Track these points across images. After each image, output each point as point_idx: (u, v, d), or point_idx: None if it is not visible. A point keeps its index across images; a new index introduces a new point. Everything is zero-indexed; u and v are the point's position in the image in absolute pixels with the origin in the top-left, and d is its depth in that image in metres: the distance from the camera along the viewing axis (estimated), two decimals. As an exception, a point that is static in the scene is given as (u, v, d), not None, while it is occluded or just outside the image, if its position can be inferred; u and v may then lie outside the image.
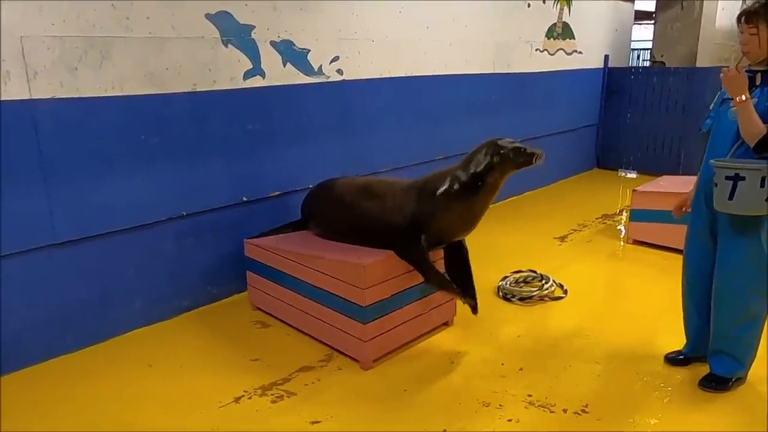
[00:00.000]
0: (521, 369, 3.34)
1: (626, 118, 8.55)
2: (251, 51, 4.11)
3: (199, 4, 3.78)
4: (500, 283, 4.41)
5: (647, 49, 12.08)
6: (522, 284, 4.42)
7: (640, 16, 10.81)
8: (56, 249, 3.40)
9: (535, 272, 4.56)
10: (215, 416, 2.92)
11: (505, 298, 4.26)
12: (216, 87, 3.95)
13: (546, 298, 4.24)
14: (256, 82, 4.18)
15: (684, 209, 3.22)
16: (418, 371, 3.33)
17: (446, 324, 3.84)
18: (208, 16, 3.84)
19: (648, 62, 10.83)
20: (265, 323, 3.92)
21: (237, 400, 3.05)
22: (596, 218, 6.34)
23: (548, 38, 7.27)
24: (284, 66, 4.34)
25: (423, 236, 3.33)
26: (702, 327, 3.14)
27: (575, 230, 5.93)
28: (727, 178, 2.66)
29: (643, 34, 13.26)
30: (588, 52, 8.11)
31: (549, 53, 7.34)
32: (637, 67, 10.51)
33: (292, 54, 4.38)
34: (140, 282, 3.82)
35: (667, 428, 2.81)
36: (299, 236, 3.90)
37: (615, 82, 8.55)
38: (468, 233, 3.54)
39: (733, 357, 3.02)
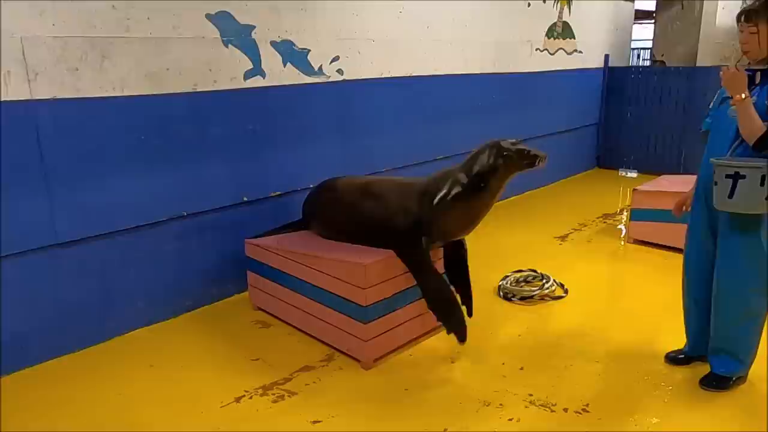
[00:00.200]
0: (522, 368, 3.34)
1: (626, 117, 8.56)
2: (252, 51, 4.12)
3: (200, 4, 3.78)
4: (501, 283, 4.41)
5: (647, 48, 12.09)
6: (522, 284, 4.42)
7: (641, 15, 10.81)
8: (57, 249, 3.41)
9: (535, 272, 4.56)
10: (216, 416, 2.92)
11: (506, 297, 4.26)
12: (216, 87, 3.96)
13: (547, 298, 4.24)
14: (257, 82, 4.18)
15: (684, 208, 3.22)
16: (419, 371, 3.33)
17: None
18: (208, 16, 3.84)
19: (648, 62, 10.84)
20: (266, 323, 3.93)
21: (238, 399, 3.06)
22: (597, 218, 6.34)
23: (548, 38, 7.27)
24: (285, 66, 4.34)
25: (424, 239, 3.33)
26: (702, 326, 3.14)
27: (576, 230, 5.93)
28: (727, 176, 2.66)
29: (644, 34, 13.26)
30: (588, 52, 8.11)
31: (549, 53, 7.34)
32: (637, 67, 10.53)
33: (293, 54, 4.38)
34: (141, 282, 3.82)
35: (668, 427, 2.81)
36: (300, 236, 3.91)
37: (615, 82, 8.56)
38: (469, 233, 3.55)
39: (734, 356, 3.02)
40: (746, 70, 2.75)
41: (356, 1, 4.78)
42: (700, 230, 3.04)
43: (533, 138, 6.79)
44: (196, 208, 4.01)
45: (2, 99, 3.06)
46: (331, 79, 4.70)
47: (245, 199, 4.27)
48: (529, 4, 6.79)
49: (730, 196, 2.66)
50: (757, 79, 2.76)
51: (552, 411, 2.93)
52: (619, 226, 6.03)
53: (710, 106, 3.04)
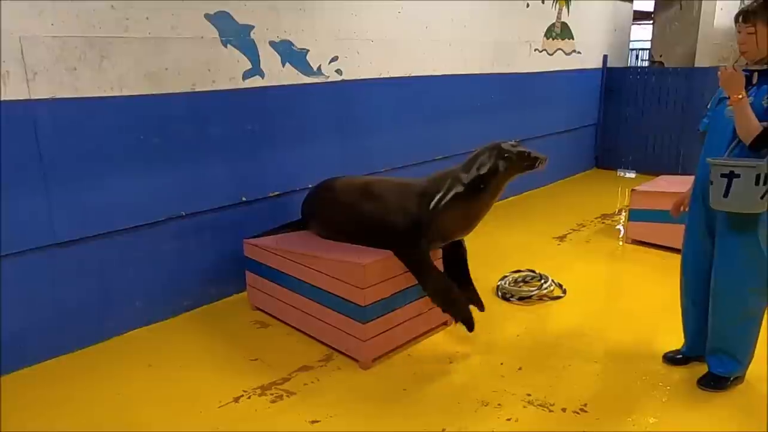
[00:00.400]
0: (520, 368, 3.34)
1: (625, 118, 8.57)
2: (250, 51, 4.12)
3: (199, 4, 3.78)
4: (499, 283, 4.41)
5: (646, 49, 12.09)
6: (521, 284, 4.42)
7: (639, 16, 10.82)
8: (56, 249, 3.40)
9: (534, 272, 4.56)
10: (215, 416, 2.92)
11: (504, 297, 4.27)
12: (215, 87, 3.96)
13: (545, 298, 4.25)
14: (256, 82, 4.18)
15: (682, 208, 3.23)
16: (418, 371, 3.33)
17: (445, 324, 3.84)
18: (207, 16, 3.84)
19: (647, 62, 10.85)
20: (265, 323, 3.93)
21: (236, 399, 3.06)
22: (595, 218, 6.35)
23: (547, 38, 7.28)
24: (283, 66, 4.34)
25: (423, 239, 3.34)
26: (700, 326, 3.15)
27: (574, 230, 5.94)
28: (722, 175, 2.68)
29: (642, 34, 13.27)
30: (587, 52, 8.12)
31: (548, 53, 7.35)
32: (635, 67, 10.53)
33: (292, 54, 4.38)
34: (140, 282, 3.82)
35: (666, 427, 2.82)
36: (299, 236, 3.91)
37: (614, 82, 8.57)
38: (467, 233, 3.55)
39: (732, 356, 3.03)
40: (744, 70, 2.77)
41: (355, 2, 4.78)
42: (697, 230, 3.05)
43: (532, 138, 6.81)
44: (195, 208, 4.01)
45: (1, 98, 3.06)
46: (329, 80, 4.70)
47: (244, 199, 4.27)
48: (527, 5, 6.79)
49: (725, 195, 2.68)
50: (755, 80, 2.77)
51: (550, 411, 2.94)
52: (617, 227, 6.04)
53: (708, 107, 3.05)
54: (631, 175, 8.46)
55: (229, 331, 3.82)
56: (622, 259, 5.24)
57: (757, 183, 2.62)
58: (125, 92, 3.53)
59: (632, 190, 5.41)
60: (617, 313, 4.07)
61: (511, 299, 4.23)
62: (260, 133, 4.28)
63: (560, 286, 4.42)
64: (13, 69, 3.09)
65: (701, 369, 3.18)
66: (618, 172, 8.64)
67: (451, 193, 3.32)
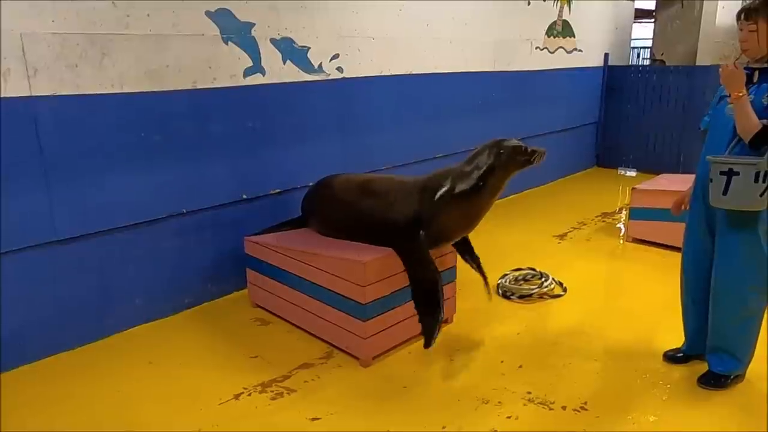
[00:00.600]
0: (520, 366, 3.34)
1: (626, 116, 8.56)
2: (251, 49, 4.12)
3: (200, 2, 3.78)
4: (500, 281, 4.42)
5: (647, 47, 12.08)
6: (521, 282, 4.42)
7: (641, 14, 10.81)
8: (56, 246, 3.41)
9: (534, 270, 4.56)
10: (215, 413, 2.93)
11: (505, 295, 4.27)
12: (216, 84, 3.95)
13: (545, 296, 4.25)
14: (257, 79, 4.18)
15: (683, 207, 3.22)
16: (418, 368, 3.34)
17: (446, 321, 3.84)
18: (208, 13, 3.84)
19: (648, 60, 10.84)
20: (265, 320, 3.93)
21: (237, 397, 3.06)
22: (596, 216, 6.34)
23: (548, 36, 7.27)
24: (284, 64, 4.34)
25: (422, 232, 3.33)
26: (701, 325, 3.15)
27: (575, 228, 5.94)
28: (722, 173, 2.69)
29: (643, 33, 13.26)
30: (588, 51, 8.11)
31: (549, 51, 7.34)
32: (637, 66, 10.53)
33: (293, 52, 4.38)
34: (140, 279, 3.83)
35: (666, 426, 2.82)
36: (299, 233, 3.91)
37: (615, 81, 8.56)
38: (468, 233, 3.55)
39: (732, 354, 3.03)
40: (745, 68, 2.77)
41: (356, 0, 4.77)
42: (698, 229, 3.05)
43: (533, 136, 6.80)
44: (196, 206, 4.01)
45: (2, 95, 3.06)
46: (330, 77, 4.70)
47: (245, 196, 4.27)
48: (529, 3, 6.78)
49: (725, 192, 2.69)
50: (755, 78, 2.77)
51: (550, 409, 2.94)
52: (618, 225, 6.04)
53: (709, 105, 3.05)
54: (632, 173, 8.45)
55: (230, 329, 3.83)
56: (623, 257, 5.23)
57: (756, 180, 2.62)
58: (126, 89, 3.53)
59: (633, 188, 5.40)
60: (617, 311, 4.07)
61: (511, 297, 4.23)
62: (261, 131, 4.28)
63: (561, 284, 4.42)
64: (14, 66, 3.09)
65: (701, 367, 3.18)
66: (619, 171, 8.64)
67: (452, 190, 3.32)
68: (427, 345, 3.26)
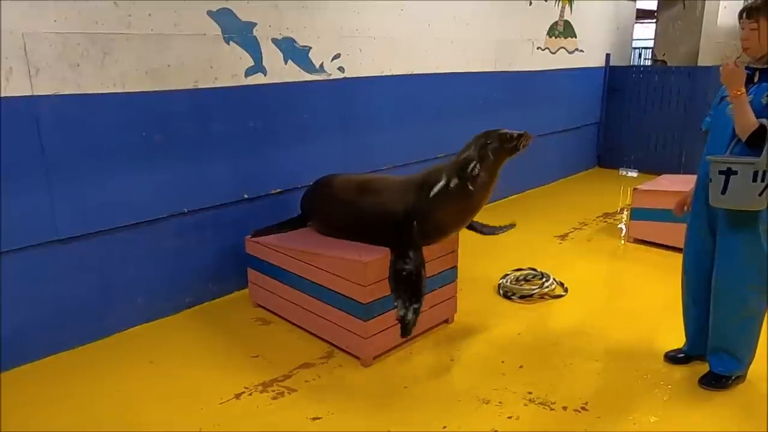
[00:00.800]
0: (521, 366, 3.34)
1: (627, 116, 8.55)
2: (253, 48, 4.12)
3: (201, 2, 3.78)
4: (501, 281, 4.41)
5: (649, 47, 12.07)
6: (522, 282, 4.42)
7: (642, 14, 10.80)
8: (57, 245, 3.41)
9: (535, 270, 4.56)
10: (216, 413, 2.93)
11: (506, 296, 4.27)
12: (217, 84, 3.96)
13: (546, 296, 4.25)
14: (258, 79, 4.18)
15: (685, 207, 3.22)
16: (419, 368, 3.33)
17: (447, 321, 3.84)
18: (209, 13, 3.84)
19: (649, 61, 10.83)
20: (266, 320, 3.93)
21: (238, 396, 3.06)
22: (597, 217, 6.34)
23: (550, 36, 7.27)
24: (286, 63, 4.34)
25: (416, 223, 3.33)
26: (702, 325, 3.15)
27: (576, 228, 5.93)
28: (720, 172, 2.70)
29: (645, 33, 13.25)
30: (589, 51, 8.10)
31: (550, 51, 7.34)
32: (638, 66, 10.52)
33: (294, 51, 4.38)
34: (141, 278, 3.83)
35: (667, 426, 2.82)
36: (300, 233, 3.91)
37: (616, 81, 8.55)
38: (464, 226, 3.58)
39: (733, 355, 3.02)
40: (746, 68, 2.78)
41: (358, 0, 4.78)
42: (699, 229, 3.05)
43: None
44: (197, 205, 4.01)
45: (3, 94, 3.06)
46: (332, 77, 4.70)
47: (246, 196, 4.27)
48: (530, 3, 6.78)
49: (723, 192, 2.70)
50: (756, 78, 2.77)
51: (551, 409, 2.94)
52: (619, 225, 6.04)
53: (711, 106, 3.05)
54: (633, 174, 8.45)
55: (231, 328, 3.83)
56: (624, 257, 5.23)
57: (754, 180, 2.63)
58: (127, 89, 3.53)
59: (634, 188, 5.40)
60: (618, 311, 4.07)
61: (512, 297, 4.23)
62: (262, 131, 4.28)
63: (562, 284, 4.42)
64: (16, 65, 3.09)
65: (702, 368, 3.18)
66: (620, 171, 8.63)
67: (448, 186, 3.34)
68: (404, 334, 3.19)
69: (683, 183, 4.90)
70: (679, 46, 8.64)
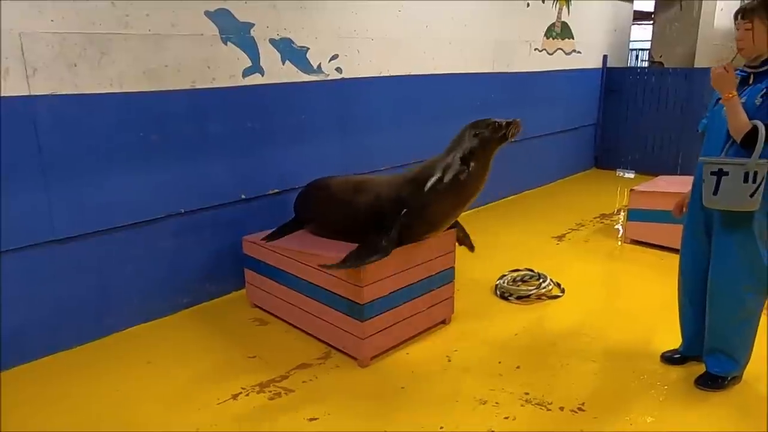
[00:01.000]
0: (518, 367, 3.35)
1: (625, 118, 8.57)
2: (250, 49, 4.12)
3: (199, 2, 3.78)
4: (498, 282, 4.42)
5: (646, 49, 12.09)
6: (519, 283, 4.43)
7: (639, 16, 10.83)
8: (55, 245, 3.41)
9: (532, 271, 4.57)
10: (213, 413, 2.93)
11: (503, 296, 4.27)
12: (215, 84, 3.96)
13: (543, 297, 4.26)
14: (255, 79, 4.18)
15: (684, 209, 3.23)
16: (416, 369, 3.34)
17: (444, 322, 3.85)
18: (207, 13, 3.84)
19: (646, 62, 10.85)
20: (263, 321, 3.93)
21: (235, 397, 3.06)
22: (594, 218, 6.35)
23: (547, 38, 7.28)
24: (283, 64, 4.34)
25: (405, 212, 3.33)
26: (698, 326, 3.16)
27: (573, 229, 5.94)
28: (712, 173, 2.72)
29: (642, 35, 13.27)
30: (587, 52, 8.12)
31: (548, 53, 7.35)
32: (635, 68, 10.53)
33: (292, 52, 4.39)
34: (139, 279, 3.83)
35: (663, 427, 2.83)
36: (297, 234, 3.91)
37: (614, 82, 8.58)
38: (457, 217, 3.58)
39: (729, 356, 3.03)
40: (740, 71, 2.82)
41: (355, 0, 4.78)
42: (695, 230, 3.06)
43: (531, 138, 6.82)
44: (194, 206, 4.01)
45: (1, 94, 3.06)
46: (329, 78, 4.71)
47: (243, 196, 4.27)
48: (528, 4, 6.79)
49: (715, 192, 2.73)
50: (751, 80, 2.79)
51: (548, 410, 2.94)
52: (616, 226, 6.05)
53: (707, 107, 3.06)
54: (630, 175, 8.47)
55: (228, 329, 3.83)
56: (621, 258, 5.24)
57: (746, 181, 2.64)
58: (125, 89, 3.53)
59: (631, 190, 5.41)
60: (615, 312, 4.08)
61: (509, 298, 4.24)
62: (260, 131, 4.28)
63: (559, 285, 4.43)
64: (13, 65, 3.09)
65: (699, 368, 3.19)
66: (617, 172, 8.65)
67: (441, 180, 3.35)
68: (324, 266, 3.25)
69: (680, 184, 4.91)
70: (676, 47, 8.67)
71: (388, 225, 3.30)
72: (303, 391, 3.12)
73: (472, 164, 3.33)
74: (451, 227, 3.67)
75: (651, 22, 9.51)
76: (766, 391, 3.07)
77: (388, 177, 3.69)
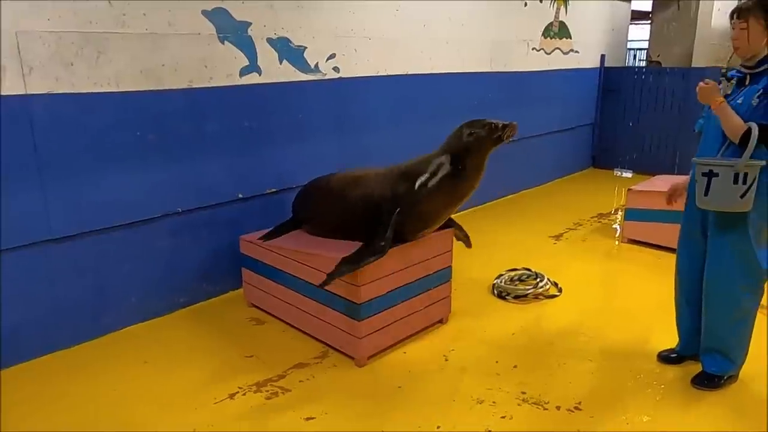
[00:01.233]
0: (515, 366, 3.35)
1: (622, 117, 8.59)
2: (248, 48, 4.11)
3: (196, 1, 3.77)
4: (495, 281, 4.42)
5: (643, 48, 12.11)
6: (517, 282, 4.43)
7: (637, 15, 10.83)
8: (52, 245, 3.40)
9: (530, 270, 4.57)
10: (210, 412, 2.93)
11: (500, 296, 4.27)
12: (212, 84, 3.95)
13: (541, 297, 4.26)
14: (253, 79, 4.18)
15: (675, 199, 3.24)
16: (413, 368, 3.34)
17: (441, 321, 3.85)
18: (204, 12, 3.83)
19: (644, 62, 10.87)
20: (260, 320, 3.93)
21: (232, 396, 3.06)
22: (591, 217, 6.36)
23: (545, 37, 7.28)
24: (281, 63, 4.34)
25: (398, 209, 3.33)
26: (695, 325, 3.16)
27: (570, 229, 5.95)
28: (703, 174, 2.75)
29: (640, 34, 13.30)
30: (584, 52, 8.13)
31: (545, 52, 7.36)
32: (633, 67, 10.54)
33: (289, 51, 4.38)
34: (135, 278, 3.82)
35: (660, 426, 2.83)
36: (294, 234, 3.90)
37: (611, 82, 8.59)
38: (448, 216, 3.57)
39: (725, 355, 3.04)
40: (736, 71, 2.86)
41: (353, 0, 4.78)
42: (692, 230, 3.07)
43: (529, 137, 6.82)
44: (191, 205, 4.01)
45: (-3, 94, 3.06)
46: (327, 77, 4.70)
47: (240, 195, 4.26)
48: (525, 4, 6.79)
49: (706, 194, 2.75)
50: (747, 80, 2.81)
51: (545, 409, 2.95)
52: (613, 226, 6.06)
53: (703, 108, 3.07)
54: (628, 174, 8.48)
55: (225, 328, 3.83)
56: (618, 258, 5.25)
57: (735, 182, 2.67)
58: (122, 88, 3.52)
59: (628, 189, 5.42)
60: (612, 312, 4.08)
61: (506, 298, 4.24)
62: (257, 130, 4.28)
63: (556, 284, 4.43)
64: (10, 64, 3.08)
65: (695, 368, 3.20)
66: (615, 172, 8.66)
67: (433, 177, 3.34)
68: (321, 284, 3.20)
69: (677, 184, 4.92)
70: (674, 47, 8.68)
71: (384, 223, 3.30)
72: (300, 391, 3.12)
73: (465, 163, 3.33)
74: (445, 225, 3.67)
75: (649, 21, 9.53)
76: (765, 391, 3.08)
77: (383, 171, 3.66)
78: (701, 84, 2.81)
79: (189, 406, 2.97)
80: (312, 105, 4.63)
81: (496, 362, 3.39)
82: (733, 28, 2.81)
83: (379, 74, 5.15)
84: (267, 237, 3.84)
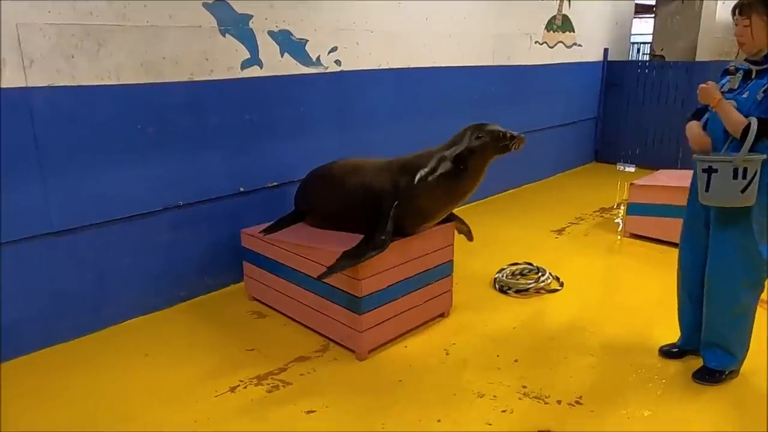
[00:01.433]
0: (516, 360, 3.35)
1: (625, 111, 8.55)
2: (249, 41, 4.10)
3: (197, -7, 3.77)
4: (496, 276, 4.42)
5: (647, 42, 12.06)
6: (518, 276, 4.43)
7: (640, 9, 10.78)
8: (52, 238, 3.40)
9: (531, 265, 4.57)
10: (211, 405, 2.93)
11: (502, 290, 4.27)
12: (213, 77, 3.94)
13: (542, 291, 4.25)
14: (254, 72, 4.16)
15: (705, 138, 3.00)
16: (414, 362, 3.34)
17: (442, 315, 3.85)
18: (205, 5, 3.82)
19: (648, 56, 10.82)
20: (261, 313, 3.93)
21: (233, 389, 3.06)
22: (594, 211, 6.34)
23: (548, 31, 7.25)
24: (282, 56, 4.33)
25: (396, 203, 3.32)
26: (696, 320, 3.16)
27: (573, 223, 5.94)
28: (703, 170, 2.75)
29: (643, 28, 13.24)
30: (588, 45, 8.09)
31: (548, 46, 7.32)
32: (636, 61, 10.50)
33: (290, 44, 4.37)
34: (136, 272, 3.82)
35: (661, 420, 2.83)
36: (296, 227, 3.90)
37: (614, 76, 8.55)
38: (445, 214, 3.56)
39: (726, 350, 3.03)
40: (742, 66, 2.83)
41: (355, -8, 4.77)
42: (694, 225, 3.06)
43: (531, 131, 6.78)
44: (192, 198, 4.00)
45: (-3, 86, 3.05)
46: (328, 70, 4.69)
47: (242, 189, 4.26)
48: (528, -3, 6.76)
49: (707, 189, 2.75)
50: (753, 74, 2.79)
51: (546, 403, 2.94)
52: (616, 220, 6.04)
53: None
54: (631, 169, 8.45)
55: (226, 322, 3.83)
56: (620, 252, 5.23)
57: (735, 177, 2.66)
58: (122, 81, 3.51)
59: (631, 184, 5.40)
60: (614, 306, 4.08)
61: (508, 292, 4.23)
62: (258, 124, 4.27)
63: (558, 279, 4.42)
64: (10, 57, 3.07)
65: (696, 362, 3.19)
66: (617, 166, 8.63)
67: (432, 173, 3.33)
68: (321, 276, 3.21)
69: (680, 178, 4.90)
70: (678, 41, 8.64)
71: (384, 215, 3.29)
72: (301, 384, 3.12)
73: (467, 164, 3.31)
74: (447, 219, 3.66)
75: (652, 15, 9.48)
76: (765, 386, 3.07)
77: (384, 162, 3.65)
78: (701, 85, 2.81)
79: (190, 400, 2.98)
80: (313, 98, 4.61)
81: (497, 356, 3.39)
82: (736, 25, 2.80)
83: (380, 67, 5.13)
84: (268, 230, 3.84)
